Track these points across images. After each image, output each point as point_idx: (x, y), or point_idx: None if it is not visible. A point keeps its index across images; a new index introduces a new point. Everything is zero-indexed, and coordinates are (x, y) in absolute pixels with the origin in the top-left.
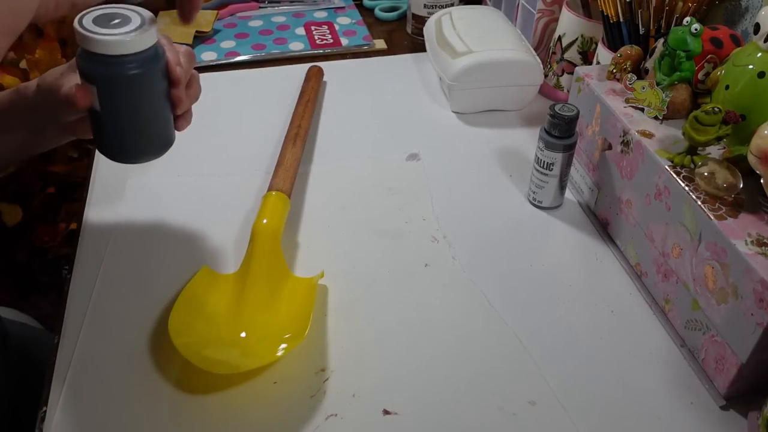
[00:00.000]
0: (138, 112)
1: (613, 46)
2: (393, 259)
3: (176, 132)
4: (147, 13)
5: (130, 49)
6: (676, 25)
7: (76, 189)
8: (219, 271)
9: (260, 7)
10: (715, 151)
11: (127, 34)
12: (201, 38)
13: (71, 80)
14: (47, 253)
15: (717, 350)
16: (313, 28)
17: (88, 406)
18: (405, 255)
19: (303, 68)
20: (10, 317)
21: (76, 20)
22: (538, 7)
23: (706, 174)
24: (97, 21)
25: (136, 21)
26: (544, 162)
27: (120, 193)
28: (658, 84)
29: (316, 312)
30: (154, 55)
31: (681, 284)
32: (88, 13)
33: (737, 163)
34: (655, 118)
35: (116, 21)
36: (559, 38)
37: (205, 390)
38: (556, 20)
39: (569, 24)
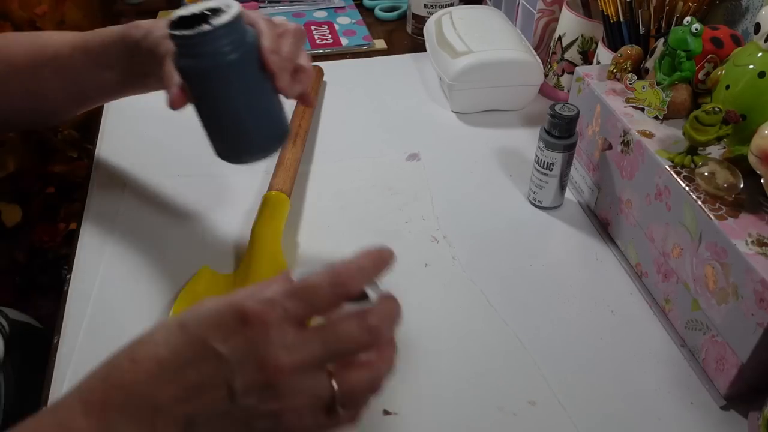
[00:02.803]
0: (229, 105)
1: (613, 45)
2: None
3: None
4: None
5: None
6: (676, 25)
7: (76, 189)
8: (219, 271)
9: (260, 7)
10: (715, 151)
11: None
12: None
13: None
14: (47, 253)
15: (717, 350)
16: (313, 27)
17: None
18: (405, 255)
19: None
20: (11, 317)
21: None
22: (538, 7)
23: (706, 174)
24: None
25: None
26: (544, 162)
27: (120, 193)
28: (658, 84)
29: None
30: (237, 43)
31: (681, 284)
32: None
33: (738, 163)
34: (656, 118)
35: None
36: (559, 38)
37: None
38: (556, 20)
39: (569, 24)
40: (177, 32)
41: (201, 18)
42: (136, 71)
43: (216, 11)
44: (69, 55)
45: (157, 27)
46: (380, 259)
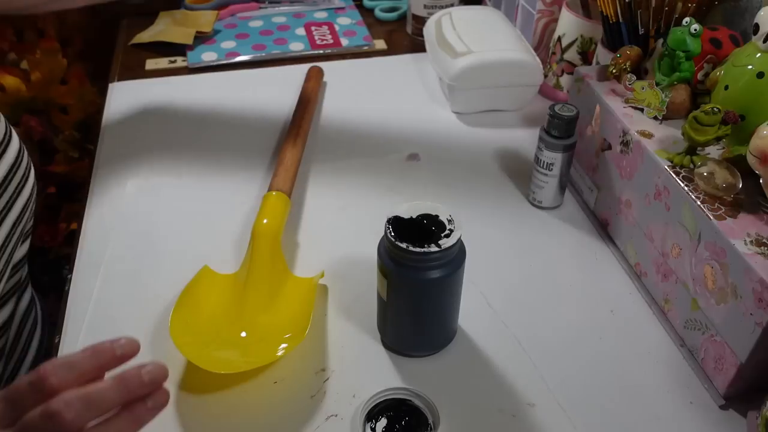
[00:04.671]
0: (420, 310)
1: (612, 46)
2: None
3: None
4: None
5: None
6: (675, 26)
7: (77, 189)
8: (219, 271)
9: (260, 8)
10: (714, 151)
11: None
12: (201, 38)
13: None
14: (48, 253)
15: (716, 350)
16: (313, 28)
17: None
18: None
19: (303, 68)
20: None
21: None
22: (537, 8)
23: (705, 174)
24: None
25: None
26: (544, 162)
27: (120, 193)
28: (657, 84)
29: (316, 312)
30: (450, 259)
31: (680, 284)
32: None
33: (736, 163)
34: (655, 118)
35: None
36: (559, 38)
37: (206, 389)
38: (556, 20)
39: (569, 24)
40: (402, 245)
41: (418, 225)
42: None
43: (432, 219)
44: None
45: None
46: (102, 353)
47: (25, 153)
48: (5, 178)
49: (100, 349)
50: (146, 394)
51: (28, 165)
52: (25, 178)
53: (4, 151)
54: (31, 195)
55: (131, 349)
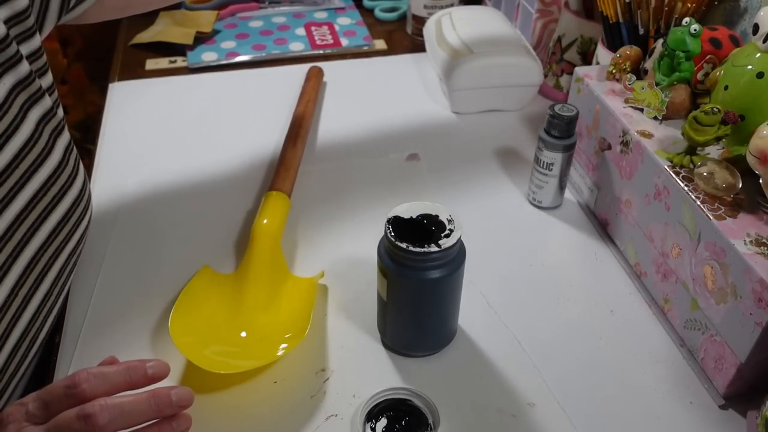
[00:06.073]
0: (421, 309)
1: (612, 46)
2: None
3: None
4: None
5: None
6: (675, 26)
7: None
8: (219, 271)
9: (260, 8)
10: (714, 151)
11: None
12: (201, 38)
13: None
14: None
15: (716, 350)
16: (313, 28)
17: None
18: None
19: (303, 68)
20: None
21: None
22: (536, 8)
23: (705, 174)
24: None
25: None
26: (543, 162)
27: (120, 193)
28: (657, 84)
29: (316, 312)
30: (451, 259)
31: (680, 284)
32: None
33: (736, 163)
34: (655, 118)
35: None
36: (559, 39)
37: (206, 389)
38: (556, 21)
39: (569, 24)
40: (402, 245)
41: (418, 225)
42: None
43: (432, 219)
44: None
45: None
46: (134, 370)
47: (88, 186)
48: (68, 211)
49: (132, 366)
50: (171, 415)
51: (89, 200)
52: (84, 211)
53: (70, 185)
54: (86, 228)
55: (161, 370)
